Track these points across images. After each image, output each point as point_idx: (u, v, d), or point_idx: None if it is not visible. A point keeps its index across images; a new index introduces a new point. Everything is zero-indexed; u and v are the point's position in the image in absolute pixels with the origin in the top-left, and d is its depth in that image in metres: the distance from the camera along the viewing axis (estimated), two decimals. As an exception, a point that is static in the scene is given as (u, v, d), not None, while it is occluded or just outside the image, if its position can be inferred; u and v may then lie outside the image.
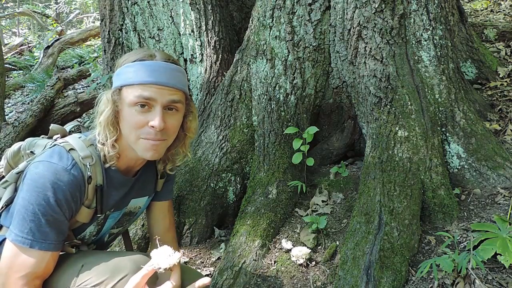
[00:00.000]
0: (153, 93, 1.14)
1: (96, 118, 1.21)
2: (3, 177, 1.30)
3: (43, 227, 1.09)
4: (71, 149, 1.17)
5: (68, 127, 1.41)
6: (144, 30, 2.88)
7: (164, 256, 1.02)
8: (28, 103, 5.97)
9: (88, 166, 1.17)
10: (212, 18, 2.67)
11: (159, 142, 1.18)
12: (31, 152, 1.28)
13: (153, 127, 1.14)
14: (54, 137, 1.32)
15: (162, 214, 1.53)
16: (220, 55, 2.69)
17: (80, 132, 1.37)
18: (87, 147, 1.20)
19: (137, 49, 1.29)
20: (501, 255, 1.51)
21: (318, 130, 2.22)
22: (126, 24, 2.95)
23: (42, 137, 1.35)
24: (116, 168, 1.26)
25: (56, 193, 1.09)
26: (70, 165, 1.14)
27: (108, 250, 1.61)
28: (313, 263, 1.85)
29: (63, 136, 1.30)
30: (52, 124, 1.37)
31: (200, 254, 2.13)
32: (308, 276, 1.79)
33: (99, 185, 1.21)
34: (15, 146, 1.33)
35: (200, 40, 2.71)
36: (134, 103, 1.15)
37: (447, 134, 2.09)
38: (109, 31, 3.00)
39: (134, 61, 1.18)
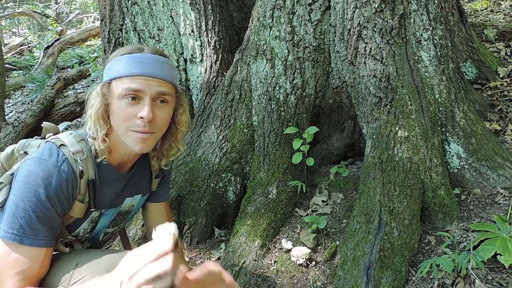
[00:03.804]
0: (141, 85, 1.15)
1: (86, 112, 1.22)
2: None
3: (34, 223, 1.08)
4: (62, 144, 1.18)
5: (61, 126, 1.41)
6: (144, 30, 2.88)
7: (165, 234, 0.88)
8: (28, 103, 5.97)
9: (79, 161, 1.17)
10: (212, 18, 2.67)
11: (148, 135, 1.18)
12: (25, 152, 1.28)
13: (141, 118, 1.14)
14: (47, 135, 1.32)
15: (161, 215, 1.53)
16: (220, 55, 2.69)
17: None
18: (78, 142, 1.20)
19: (127, 45, 1.31)
20: (501, 255, 1.51)
21: (318, 130, 2.22)
22: (126, 24, 2.95)
23: (36, 138, 1.35)
24: (109, 163, 1.26)
25: (47, 189, 1.10)
26: (60, 160, 1.14)
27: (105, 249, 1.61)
28: (313, 263, 1.85)
29: (55, 134, 1.30)
30: (44, 122, 1.37)
31: (200, 254, 2.13)
32: (308, 276, 1.79)
33: (91, 179, 1.21)
34: (9, 149, 1.33)
35: (200, 40, 2.71)
36: (123, 96, 1.15)
37: (447, 134, 2.09)
38: (109, 31, 3.00)
39: (123, 55, 1.19)
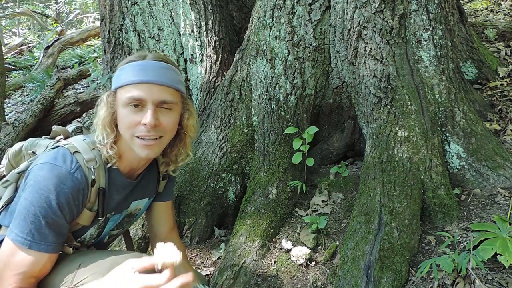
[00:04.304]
0: (143, 92, 1.15)
1: (94, 120, 1.23)
2: (4, 176, 1.30)
3: (43, 229, 1.09)
4: (76, 151, 1.18)
5: (70, 128, 1.41)
6: (144, 30, 2.88)
7: (167, 254, 0.95)
8: (28, 103, 5.97)
9: (92, 169, 1.18)
10: (212, 18, 2.67)
11: (154, 142, 1.18)
12: (33, 152, 1.29)
13: (145, 124, 1.15)
14: (57, 138, 1.32)
15: (166, 214, 1.53)
16: (220, 55, 2.69)
17: (82, 133, 1.37)
18: (91, 150, 1.20)
19: (134, 53, 1.31)
20: (501, 255, 1.51)
21: (318, 130, 2.22)
22: (126, 24, 2.95)
23: (44, 138, 1.35)
24: (119, 171, 1.26)
25: (58, 196, 1.10)
26: (74, 168, 1.14)
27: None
28: (313, 263, 1.85)
29: (65, 137, 1.30)
30: (54, 126, 1.37)
31: (200, 254, 2.13)
32: (308, 276, 1.79)
33: (102, 188, 1.22)
34: (17, 146, 1.34)
35: (200, 40, 2.71)
36: (127, 104, 1.16)
37: (447, 134, 2.09)
38: (109, 31, 3.00)
39: (126, 63, 1.20)
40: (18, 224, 1.09)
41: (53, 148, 1.20)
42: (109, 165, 1.22)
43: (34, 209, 1.08)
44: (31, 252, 1.08)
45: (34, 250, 1.08)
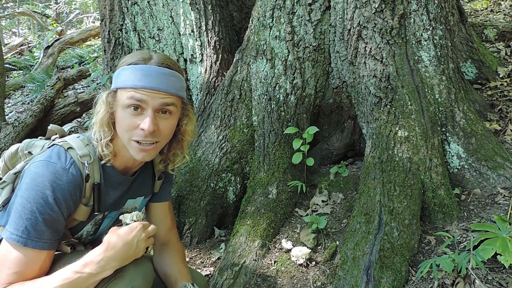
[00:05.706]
0: (144, 97, 1.16)
1: (92, 117, 1.23)
2: (0, 179, 1.30)
3: (39, 225, 1.09)
4: (69, 147, 1.19)
5: (66, 127, 1.42)
6: (144, 30, 2.88)
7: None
8: (28, 103, 5.97)
9: (86, 165, 1.18)
10: (212, 18, 2.67)
11: (150, 147, 1.20)
12: (29, 152, 1.29)
13: (143, 129, 1.16)
14: (52, 137, 1.32)
15: (164, 214, 1.53)
16: (220, 55, 2.69)
17: (78, 133, 1.38)
18: (85, 146, 1.21)
19: (136, 52, 1.31)
20: (501, 255, 1.51)
21: (318, 130, 2.22)
22: (126, 24, 2.95)
23: (40, 138, 1.36)
24: (114, 168, 1.27)
25: (55, 192, 1.10)
26: (68, 164, 1.15)
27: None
28: (313, 263, 1.85)
29: (61, 136, 1.31)
30: (50, 125, 1.37)
31: (200, 254, 2.13)
32: (308, 276, 1.79)
33: (97, 183, 1.22)
34: (13, 148, 1.34)
35: (200, 40, 2.71)
36: (127, 106, 1.17)
37: (447, 134, 2.09)
38: (109, 31, 3.00)
39: (129, 64, 1.20)
40: (13, 222, 1.09)
41: (49, 147, 1.21)
42: (103, 161, 1.23)
43: (30, 206, 1.08)
44: (27, 250, 1.08)
45: (30, 247, 1.08)
